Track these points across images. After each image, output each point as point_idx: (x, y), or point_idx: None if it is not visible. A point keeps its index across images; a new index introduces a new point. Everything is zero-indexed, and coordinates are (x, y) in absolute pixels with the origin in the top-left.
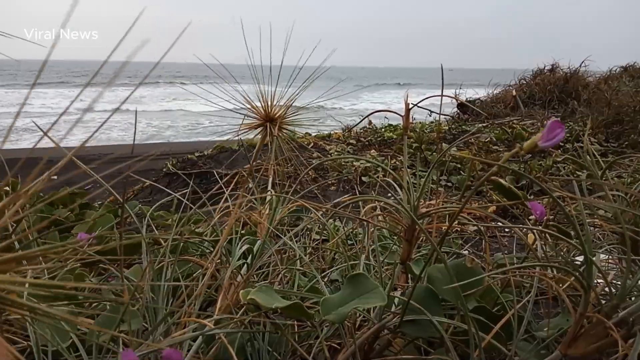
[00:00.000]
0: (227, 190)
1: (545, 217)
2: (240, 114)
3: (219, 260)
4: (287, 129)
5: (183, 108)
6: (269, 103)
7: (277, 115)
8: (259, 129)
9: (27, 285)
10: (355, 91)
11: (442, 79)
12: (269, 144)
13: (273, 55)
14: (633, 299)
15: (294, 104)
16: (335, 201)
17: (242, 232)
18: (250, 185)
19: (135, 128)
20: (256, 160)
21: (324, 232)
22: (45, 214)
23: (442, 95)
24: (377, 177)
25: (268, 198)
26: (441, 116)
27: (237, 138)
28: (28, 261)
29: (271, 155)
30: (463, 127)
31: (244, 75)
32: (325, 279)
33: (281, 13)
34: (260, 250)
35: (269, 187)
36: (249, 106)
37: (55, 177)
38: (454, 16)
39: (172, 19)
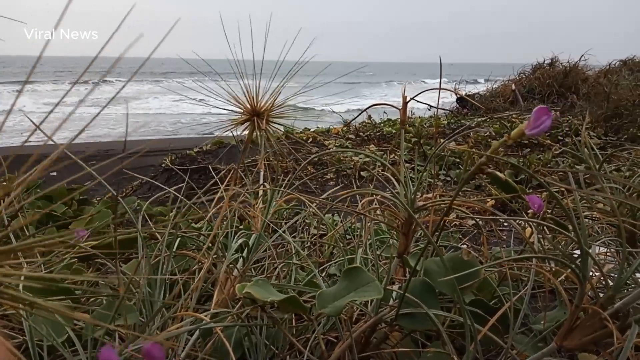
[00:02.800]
0: (221, 185)
1: (543, 211)
2: (228, 110)
3: (215, 256)
4: (275, 123)
5: (177, 109)
6: (255, 96)
7: (264, 109)
8: (247, 124)
9: (23, 278)
10: (355, 84)
11: (441, 71)
12: (258, 138)
13: (266, 50)
14: (629, 290)
15: (292, 101)
16: (328, 192)
17: (241, 227)
18: (244, 180)
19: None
20: (246, 155)
21: (322, 226)
22: (44, 210)
23: (440, 89)
24: (376, 171)
25: (261, 192)
26: (440, 110)
27: (227, 134)
28: (23, 253)
29: (261, 150)
30: (462, 121)
31: (244, 71)
32: (323, 274)
33: (280, 10)
34: (256, 244)
35: (261, 181)
36: (234, 101)
37: (55, 173)
38: (454, 11)
39: (166, 14)
